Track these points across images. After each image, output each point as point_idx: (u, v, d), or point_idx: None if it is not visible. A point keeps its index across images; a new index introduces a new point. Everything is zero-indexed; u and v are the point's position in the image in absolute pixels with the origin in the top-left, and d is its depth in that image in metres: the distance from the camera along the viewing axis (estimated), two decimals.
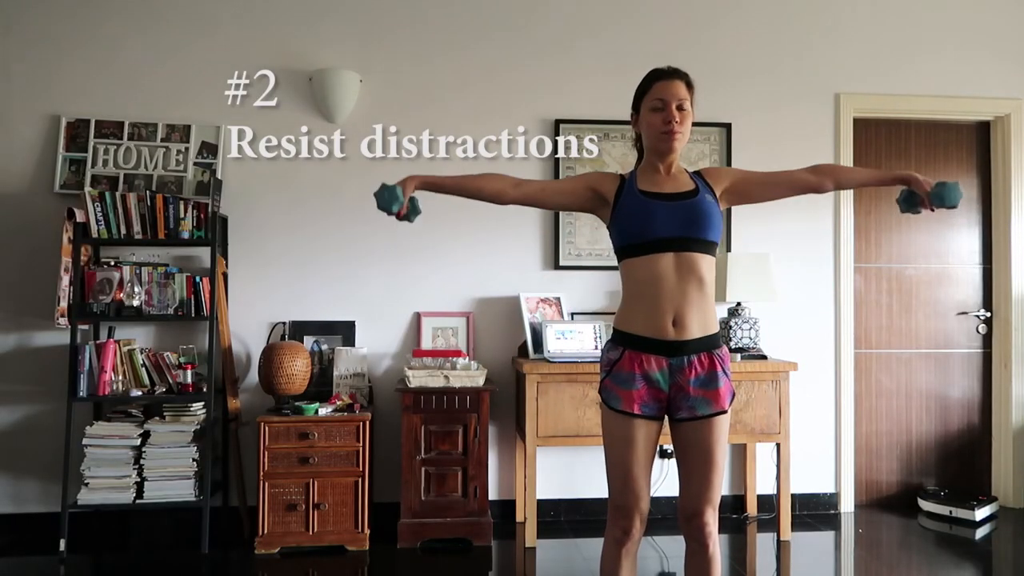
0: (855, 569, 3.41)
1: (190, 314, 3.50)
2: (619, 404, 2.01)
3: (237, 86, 3.80)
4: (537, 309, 3.80)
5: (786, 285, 3.97)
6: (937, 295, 4.26)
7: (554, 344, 3.57)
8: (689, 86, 2.08)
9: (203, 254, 3.75)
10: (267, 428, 3.33)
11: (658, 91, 2.05)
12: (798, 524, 3.79)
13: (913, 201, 2.05)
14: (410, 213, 2.04)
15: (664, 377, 2.00)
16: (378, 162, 3.87)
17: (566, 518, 3.89)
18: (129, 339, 3.64)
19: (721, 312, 3.72)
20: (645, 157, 2.13)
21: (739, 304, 3.69)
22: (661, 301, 1.99)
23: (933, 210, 2.02)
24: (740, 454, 3.96)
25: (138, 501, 3.37)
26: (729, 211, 3.73)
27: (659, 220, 2.00)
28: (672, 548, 3.43)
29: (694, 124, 2.17)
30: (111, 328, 3.60)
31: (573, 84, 3.95)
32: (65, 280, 3.46)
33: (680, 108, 2.04)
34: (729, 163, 3.99)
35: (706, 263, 2.03)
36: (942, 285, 4.26)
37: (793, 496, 3.84)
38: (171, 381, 3.51)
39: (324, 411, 3.41)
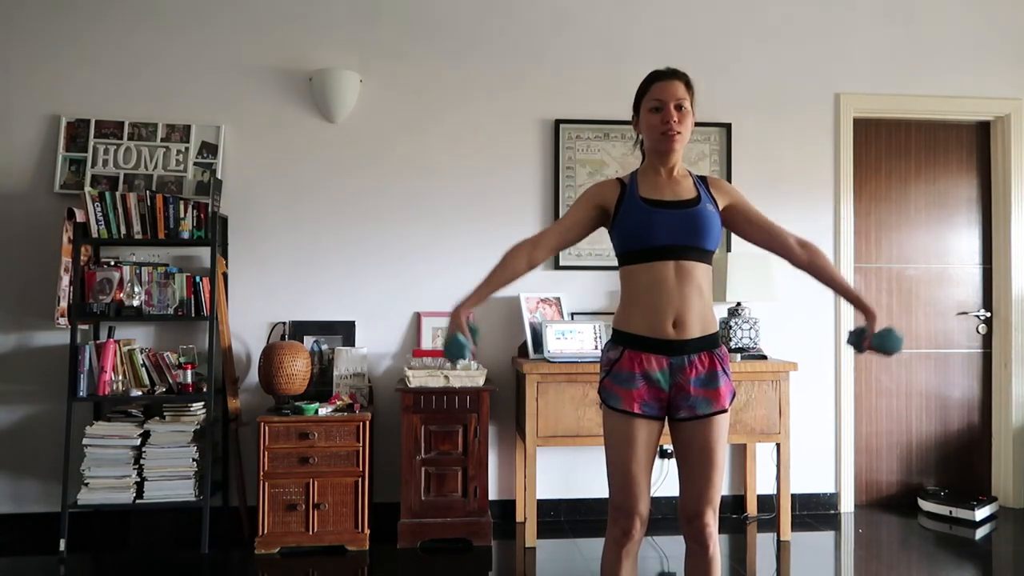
0: (855, 569, 3.41)
1: (190, 314, 3.50)
2: (619, 403, 2.00)
3: (237, 86, 3.80)
4: (537, 309, 3.80)
5: (786, 285, 3.97)
6: (937, 295, 4.26)
7: (554, 344, 3.57)
8: (688, 87, 2.07)
9: (203, 254, 3.75)
10: (267, 428, 3.33)
11: (656, 92, 2.05)
12: (798, 524, 3.79)
13: (861, 338, 2.04)
14: (475, 339, 1.98)
15: (665, 376, 1.99)
16: (378, 162, 3.87)
17: (566, 518, 3.89)
18: (129, 339, 3.64)
19: (721, 312, 3.72)
20: (647, 159, 2.12)
21: (739, 304, 3.69)
22: (661, 305, 1.99)
23: (871, 350, 2.01)
24: (740, 454, 3.96)
25: (138, 501, 3.37)
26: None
27: (660, 228, 1.99)
28: (672, 548, 3.43)
29: (695, 124, 2.17)
30: (111, 328, 3.60)
31: (573, 84, 3.95)
32: (65, 280, 3.46)
33: (679, 108, 2.03)
34: (729, 163, 4.00)
35: (705, 270, 2.03)
36: (942, 285, 4.26)
37: (793, 496, 3.84)
38: (171, 381, 3.51)
39: (324, 411, 3.41)
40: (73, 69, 3.74)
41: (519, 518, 3.77)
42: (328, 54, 3.84)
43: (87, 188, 3.56)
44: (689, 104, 2.05)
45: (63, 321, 3.46)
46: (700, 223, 2.00)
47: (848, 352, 4.07)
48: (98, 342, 3.50)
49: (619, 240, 2.07)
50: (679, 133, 2.03)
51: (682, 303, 1.99)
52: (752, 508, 3.92)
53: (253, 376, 3.73)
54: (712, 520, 2.02)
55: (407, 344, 3.86)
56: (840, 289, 2.15)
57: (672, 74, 2.07)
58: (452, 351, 1.95)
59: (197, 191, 3.69)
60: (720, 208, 2.10)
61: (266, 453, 3.32)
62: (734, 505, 3.98)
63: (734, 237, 3.96)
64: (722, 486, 2.07)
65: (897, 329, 1.99)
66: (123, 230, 3.45)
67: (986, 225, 4.28)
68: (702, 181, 2.12)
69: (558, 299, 3.86)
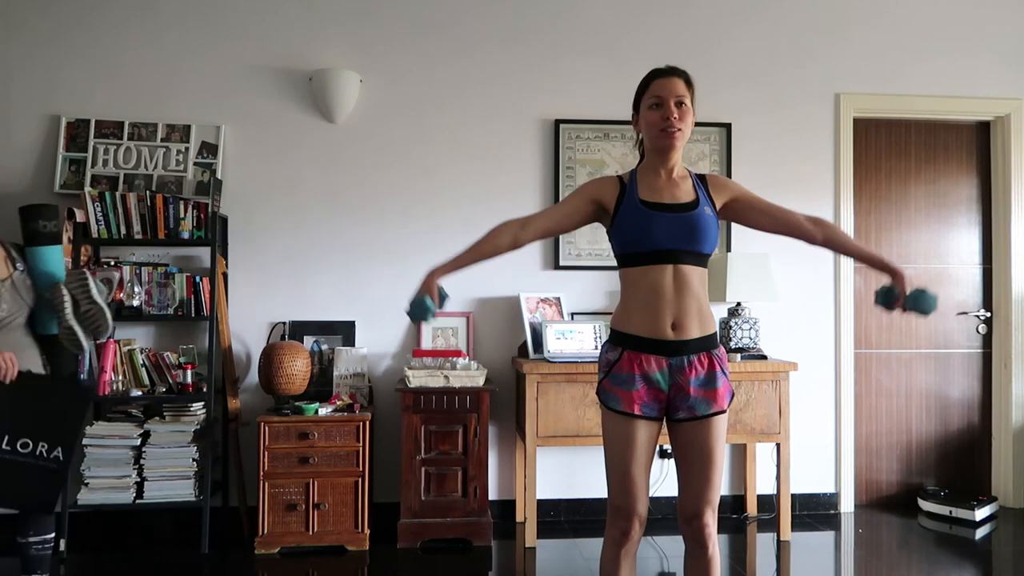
0: (855, 569, 3.41)
1: (190, 314, 3.50)
2: (618, 405, 2.00)
3: (237, 86, 3.80)
4: (537, 309, 3.80)
5: (786, 285, 3.98)
6: (937, 295, 4.25)
7: (554, 344, 3.57)
8: (689, 84, 2.06)
9: (203, 254, 3.75)
10: (267, 428, 3.33)
11: (656, 88, 2.04)
12: (798, 524, 3.79)
13: (891, 298, 2.02)
14: (442, 304, 1.98)
15: (664, 377, 1.99)
16: (378, 162, 3.87)
17: (566, 518, 3.89)
18: (129, 339, 3.64)
19: (721, 312, 3.72)
20: (646, 158, 2.12)
21: (739, 304, 3.69)
22: (660, 307, 1.99)
23: (904, 311, 2.00)
24: (740, 454, 3.96)
25: (138, 501, 3.37)
26: None
27: (657, 232, 1.99)
28: (672, 548, 3.43)
29: (695, 124, 2.17)
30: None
31: (573, 84, 3.95)
32: None
33: (679, 105, 2.02)
34: (729, 163, 3.99)
35: (701, 274, 2.03)
36: (942, 285, 4.26)
37: (793, 496, 3.84)
38: (171, 381, 3.51)
39: (324, 411, 3.41)
40: (73, 69, 3.74)
41: (519, 518, 3.77)
42: (328, 54, 3.84)
43: (87, 188, 3.56)
44: (689, 102, 2.04)
45: None
46: (698, 227, 2.00)
47: (848, 352, 4.07)
48: (98, 342, 3.49)
49: (617, 242, 2.07)
50: (679, 130, 2.02)
51: (679, 306, 1.99)
52: (752, 508, 3.92)
53: (253, 376, 3.73)
54: (711, 520, 2.02)
55: (407, 344, 3.86)
56: (862, 257, 2.15)
57: (672, 71, 2.06)
58: (417, 313, 1.93)
59: (197, 191, 3.69)
60: (720, 206, 2.10)
61: (266, 453, 3.32)
62: (734, 505, 3.98)
63: (734, 237, 3.97)
64: (721, 486, 2.07)
65: (930, 289, 1.98)
66: (123, 230, 3.45)
67: (986, 225, 4.28)
68: (701, 181, 2.11)
69: (558, 299, 3.86)
